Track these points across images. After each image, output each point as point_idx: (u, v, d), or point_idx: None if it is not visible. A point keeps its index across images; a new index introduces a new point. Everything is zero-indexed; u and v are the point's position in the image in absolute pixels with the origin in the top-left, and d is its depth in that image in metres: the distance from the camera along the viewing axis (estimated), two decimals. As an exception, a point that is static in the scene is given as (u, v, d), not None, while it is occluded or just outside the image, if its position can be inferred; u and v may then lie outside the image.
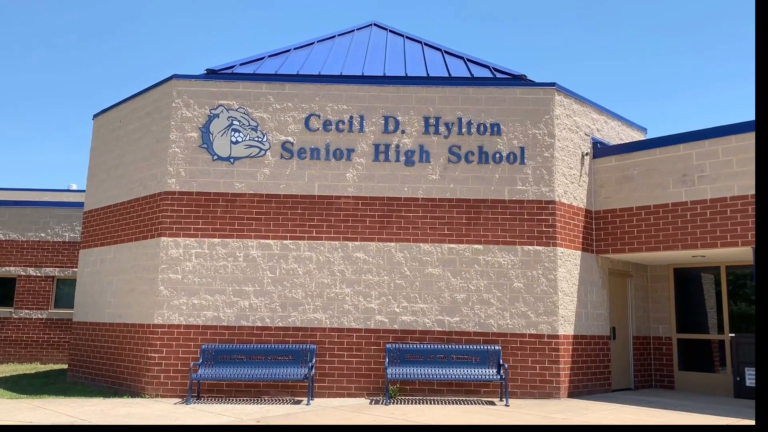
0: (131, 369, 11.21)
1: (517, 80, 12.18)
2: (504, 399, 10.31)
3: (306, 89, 11.63)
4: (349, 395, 10.68)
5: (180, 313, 10.92)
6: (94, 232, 13.22)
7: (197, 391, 10.59)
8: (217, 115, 11.51)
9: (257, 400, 10.41)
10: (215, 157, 11.39)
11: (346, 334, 10.90)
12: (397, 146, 11.43)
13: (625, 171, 12.00)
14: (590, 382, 11.49)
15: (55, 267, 17.59)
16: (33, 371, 15.01)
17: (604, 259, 12.27)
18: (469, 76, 12.38)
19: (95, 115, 14.03)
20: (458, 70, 12.80)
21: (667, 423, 8.61)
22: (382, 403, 10.03)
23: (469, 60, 13.46)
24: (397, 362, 10.57)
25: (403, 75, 12.25)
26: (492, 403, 10.19)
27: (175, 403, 10.01)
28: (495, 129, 11.49)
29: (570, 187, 11.73)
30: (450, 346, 10.70)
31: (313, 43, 14.25)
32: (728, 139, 10.91)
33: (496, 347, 10.68)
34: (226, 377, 10.30)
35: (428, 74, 12.38)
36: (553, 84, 11.74)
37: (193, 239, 11.15)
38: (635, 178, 11.86)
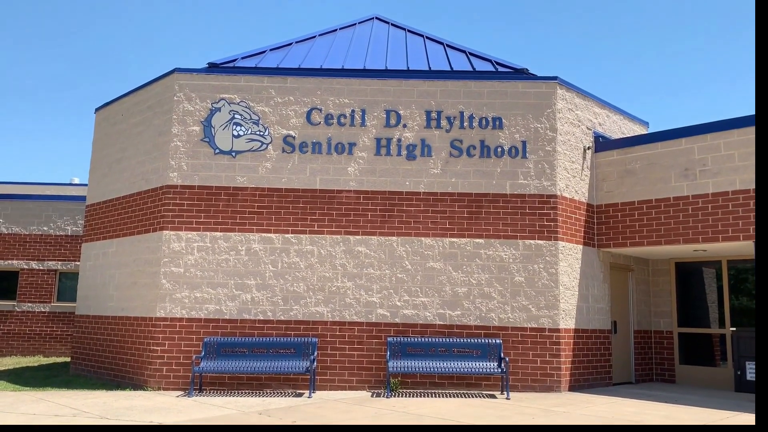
0: (134, 362, 11.26)
1: (519, 74, 12.15)
2: (505, 392, 10.35)
3: (307, 83, 11.63)
4: (351, 388, 10.72)
5: (182, 307, 10.95)
6: (97, 226, 13.25)
7: (199, 384, 10.64)
8: (219, 109, 11.52)
9: (259, 392, 10.46)
10: (217, 150, 11.40)
11: (348, 327, 10.93)
12: (399, 140, 11.43)
13: (627, 165, 12.00)
14: (591, 376, 11.52)
15: (58, 260, 17.65)
16: (36, 364, 15.08)
17: (605, 253, 12.27)
18: (471, 69, 12.34)
19: (97, 109, 14.04)
20: (460, 63, 12.76)
21: (667, 416, 8.64)
22: (383, 396, 10.07)
23: (471, 54, 13.41)
24: (399, 355, 10.61)
25: (405, 69, 12.21)
26: (493, 397, 10.23)
27: (178, 396, 10.06)
28: (497, 123, 11.48)
29: (572, 181, 11.73)
30: (451, 340, 10.73)
31: (314, 37, 14.21)
32: (730, 133, 10.90)
33: (497, 341, 10.70)
34: (228, 370, 10.35)
35: (430, 68, 12.34)
36: (555, 78, 11.72)
37: (195, 233, 11.17)
38: (637, 172, 11.85)
